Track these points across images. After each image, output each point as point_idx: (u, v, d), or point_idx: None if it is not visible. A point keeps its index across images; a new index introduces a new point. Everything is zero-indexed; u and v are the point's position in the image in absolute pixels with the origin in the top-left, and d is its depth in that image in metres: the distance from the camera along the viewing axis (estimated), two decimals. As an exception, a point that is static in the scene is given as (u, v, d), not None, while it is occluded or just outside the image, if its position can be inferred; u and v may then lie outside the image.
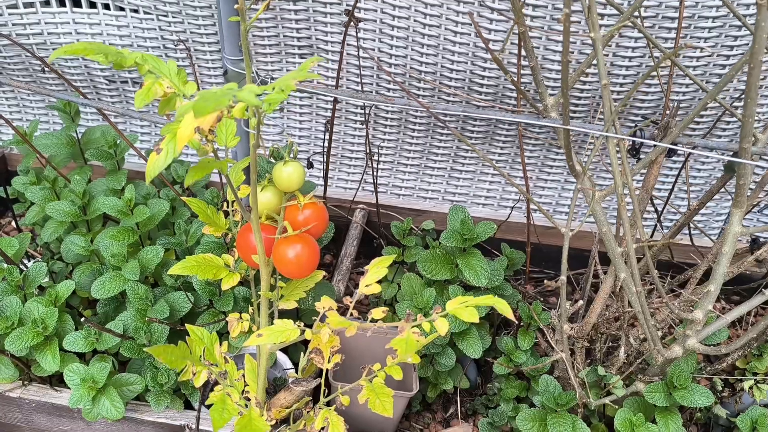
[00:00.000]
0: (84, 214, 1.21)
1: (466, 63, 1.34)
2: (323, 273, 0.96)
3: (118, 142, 1.29)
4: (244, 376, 0.93)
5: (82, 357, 1.07)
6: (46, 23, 1.45)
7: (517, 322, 1.22)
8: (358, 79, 1.40)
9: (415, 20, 1.29)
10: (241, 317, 0.93)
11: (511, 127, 1.50)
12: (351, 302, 0.85)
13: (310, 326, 0.86)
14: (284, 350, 1.15)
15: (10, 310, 1.00)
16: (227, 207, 0.95)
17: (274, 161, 0.88)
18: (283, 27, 1.35)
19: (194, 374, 0.76)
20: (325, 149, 1.25)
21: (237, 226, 0.97)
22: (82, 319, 0.92)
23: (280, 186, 0.88)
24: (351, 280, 1.48)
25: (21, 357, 1.01)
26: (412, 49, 1.34)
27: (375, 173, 1.37)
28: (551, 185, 1.60)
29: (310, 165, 0.95)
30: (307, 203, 0.89)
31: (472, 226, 1.06)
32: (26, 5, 1.43)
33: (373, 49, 1.33)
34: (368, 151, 1.24)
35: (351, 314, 0.85)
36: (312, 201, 0.90)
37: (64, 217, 1.18)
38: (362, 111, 1.50)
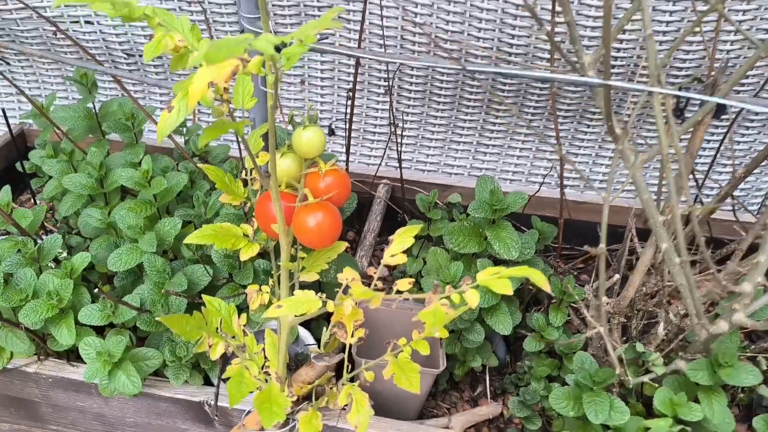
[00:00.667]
0: (101, 186, 1.18)
1: (495, 21, 1.28)
2: (345, 244, 0.92)
3: (135, 114, 1.25)
4: (264, 350, 0.89)
5: (100, 333, 1.04)
6: (62, -6, 1.41)
7: (548, 298, 1.17)
8: (381, 43, 1.35)
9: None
10: (260, 289, 0.90)
11: (541, 96, 1.44)
12: (375, 273, 0.81)
13: (333, 299, 0.82)
14: (306, 326, 1.12)
15: (24, 282, 0.98)
16: (246, 176, 0.91)
17: (292, 130, 0.84)
18: (303, -8, 1.30)
19: (210, 346, 0.73)
20: (348, 118, 1.20)
21: (256, 196, 0.92)
22: (96, 290, 0.89)
23: (299, 152, 0.84)
24: (374, 256, 1.44)
25: (36, 331, 0.99)
26: (438, 7, 1.28)
27: (399, 146, 1.32)
28: (583, 159, 1.54)
29: (331, 132, 0.90)
30: (329, 170, 0.85)
31: (501, 196, 1.01)
32: (42, -24, 1.40)
33: (397, 7, 1.27)
34: (392, 120, 1.18)
35: (375, 286, 0.81)
36: (333, 168, 0.86)
37: (81, 189, 1.15)
38: (385, 83, 1.44)
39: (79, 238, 1.22)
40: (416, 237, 1.20)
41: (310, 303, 0.78)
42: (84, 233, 1.22)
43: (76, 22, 1.45)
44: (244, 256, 0.85)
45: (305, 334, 1.10)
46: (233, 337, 0.80)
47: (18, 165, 1.34)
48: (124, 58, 1.53)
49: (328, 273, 1.00)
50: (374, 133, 1.57)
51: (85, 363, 0.94)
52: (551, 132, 1.52)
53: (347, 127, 1.09)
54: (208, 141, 0.66)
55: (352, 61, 1.42)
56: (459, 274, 1.01)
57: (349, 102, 1.27)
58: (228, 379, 0.80)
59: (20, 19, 1.45)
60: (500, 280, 0.67)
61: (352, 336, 0.89)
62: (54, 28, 1.21)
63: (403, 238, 0.80)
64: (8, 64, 1.58)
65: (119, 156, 1.24)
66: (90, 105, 1.30)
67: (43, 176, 1.37)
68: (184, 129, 1.34)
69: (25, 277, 0.98)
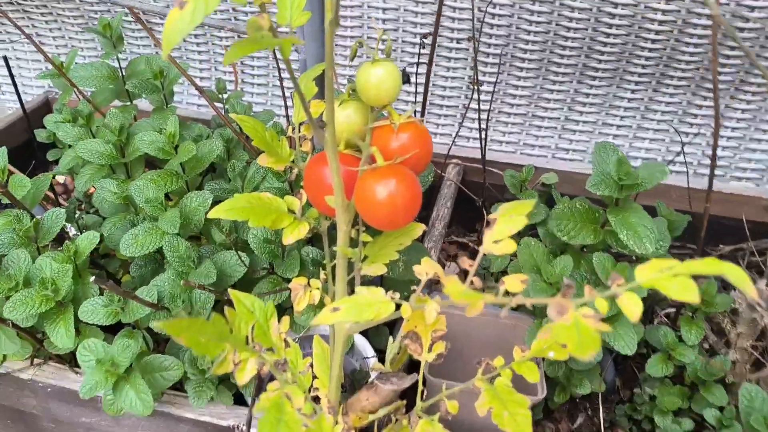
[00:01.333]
0: (122, 156, 0.98)
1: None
2: (422, 226, 0.68)
3: (166, 72, 1.05)
4: (311, 366, 0.67)
5: (113, 332, 0.84)
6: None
7: (678, 308, 0.92)
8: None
9: None
10: (309, 284, 0.67)
11: (649, 60, 1.18)
12: (471, 266, 0.58)
13: (407, 298, 0.60)
14: (364, 333, 0.90)
15: (15, 266, 0.78)
16: (293, 133, 0.69)
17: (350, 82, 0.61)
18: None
19: (236, 364, 0.51)
20: (428, 61, 0.97)
21: (305, 162, 0.70)
22: (92, 278, 0.69)
23: (366, 96, 0.61)
24: (443, 251, 1.21)
25: (31, 328, 0.79)
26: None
27: (480, 114, 1.08)
28: (697, 139, 1.27)
29: (406, 78, 0.67)
30: (405, 123, 0.62)
31: (631, 169, 0.76)
32: None
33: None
34: (475, 78, 0.95)
35: (471, 285, 0.57)
36: (411, 121, 0.63)
37: (97, 158, 0.95)
38: (457, 44, 1.21)
39: (96, 217, 1.03)
40: (501, 225, 0.96)
41: (378, 305, 0.55)
42: (101, 211, 1.02)
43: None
44: (288, 239, 0.63)
45: (362, 343, 0.88)
46: (270, 349, 0.58)
47: (37, 135, 1.15)
48: (160, 19, 1.34)
49: (396, 265, 0.77)
50: (442, 106, 1.34)
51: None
52: (656, 105, 1.26)
53: (425, 78, 0.83)
54: (237, 58, 0.44)
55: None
56: (566, 273, 0.77)
57: (428, 51, 1.03)
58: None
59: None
60: (678, 280, 0.43)
61: (429, 351, 0.66)
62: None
63: (512, 217, 0.57)
64: (30, 19, 1.41)
65: (145, 122, 1.04)
66: (115, 63, 1.11)
67: (63, 147, 1.18)
68: (225, 96, 1.13)
69: (17, 261, 0.79)
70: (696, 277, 0.51)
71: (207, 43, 1.37)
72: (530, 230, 0.96)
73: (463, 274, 0.92)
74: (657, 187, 1.18)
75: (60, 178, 1.36)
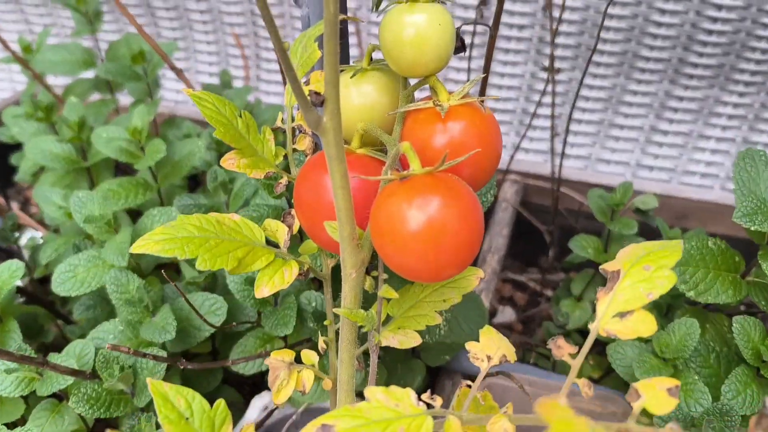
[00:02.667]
0: (84, 159, 0.76)
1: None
2: (480, 273, 0.43)
3: (148, 56, 0.83)
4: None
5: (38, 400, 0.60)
6: None
7: None
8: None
9: None
10: (298, 358, 0.43)
11: (764, 58, 0.91)
12: (574, 354, 0.33)
13: (439, 370, 0.35)
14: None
15: None
16: (283, 123, 0.46)
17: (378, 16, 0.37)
18: None
19: None
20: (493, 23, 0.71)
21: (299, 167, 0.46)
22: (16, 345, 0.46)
23: (397, 61, 0.37)
24: (496, 291, 0.95)
25: None
26: None
27: (553, 119, 0.83)
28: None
29: (461, 45, 0.43)
30: (458, 106, 0.38)
31: (803, 190, 0.50)
32: None
33: None
34: (551, 65, 0.70)
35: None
36: (467, 102, 0.38)
37: (51, 161, 0.74)
38: (519, 33, 0.96)
39: (55, 236, 0.81)
40: (580, 264, 0.71)
41: (402, 423, 0.31)
42: (63, 231, 0.81)
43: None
44: (262, 289, 0.39)
45: None
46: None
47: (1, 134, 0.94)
48: (165, 11, 1.13)
49: (435, 327, 0.52)
50: (494, 108, 1.09)
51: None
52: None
53: (488, 44, 0.58)
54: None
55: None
56: (690, 345, 0.51)
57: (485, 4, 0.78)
58: None
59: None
60: None
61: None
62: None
63: (648, 269, 0.32)
64: None
65: (121, 119, 0.82)
66: (90, 44, 0.90)
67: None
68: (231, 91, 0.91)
69: None
70: None
71: (217, 31, 1.15)
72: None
73: (521, 321, 0.65)
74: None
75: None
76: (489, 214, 0.95)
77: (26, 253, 0.80)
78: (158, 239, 0.36)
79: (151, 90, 0.85)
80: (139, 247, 0.36)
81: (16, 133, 0.82)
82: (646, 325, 0.31)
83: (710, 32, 0.91)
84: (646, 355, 0.54)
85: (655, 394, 0.29)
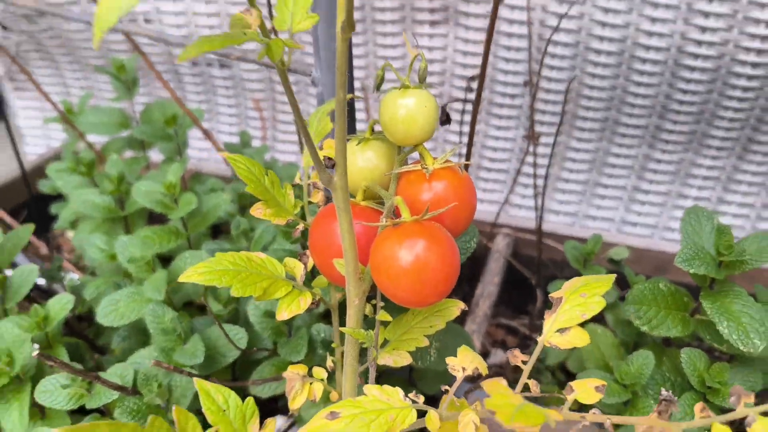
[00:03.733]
0: (122, 209, 0.86)
1: (672, 37, 0.89)
2: (460, 303, 0.53)
3: (180, 119, 0.95)
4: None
5: (83, 415, 0.69)
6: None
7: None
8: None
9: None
10: (310, 374, 0.52)
11: (734, 123, 1.02)
12: (525, 362, 0.41)
13: (435, 399, 0.44)
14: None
15: (-32, 332, 0.65)
16: (301, 180, 0.56)
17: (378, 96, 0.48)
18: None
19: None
20: (474, 103, 0.82)
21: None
22: (35, 353, 0.55)
23: (392, 133, 0.47)
24: (488, 335, 1.03)
25: (-19, 408, 0.65)
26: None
27: (536, 179, 0.93)
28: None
29: (446, 118, 0.54)
30: (440, 169, 0.48)
31: (733, 241, 0.59)
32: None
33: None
34: (532, 132, 0.80)
35: (524, 389, 0.41)
36: (448, 165, 0.48)
37: (93, 210, 0.84)
38: (512, 95, 1.07)
39: (92, 278, 0.90)
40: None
41: (392, 413, 0.39)
42: (99, 272, 0.90)
43: (134, 20, 1.20)
44: (282, 313, 0.48)
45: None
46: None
47: (43, 187, 1.05)
48: (188, 68, 1.26)
49: (426, 353, 0.61)
50: (490, 169, 1.20)
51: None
52: (741, 175, 1.09)
53: (471, 119, 0.69)
54: (199, 53, 0.31)
55: (475, 40, 1.07)
56: (646, 373, 0.60)
57: (474, 95, 0.89)
58: None
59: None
60: None
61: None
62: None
63: (583, 297, 0.41)
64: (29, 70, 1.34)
65: (154, 174, 0.92)
66: (126, 108, 1.01)
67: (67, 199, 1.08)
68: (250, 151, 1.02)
69: (-27, 325, 0.66)
70: None
71: (238, 96, 1.27)
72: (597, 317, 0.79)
73: (513, 368, 0.73)
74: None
75: (71, 235, 1.26)
76: (481, 263, 1.04)
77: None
78: (201, 271, 0.46)
79: (180, 149, 0.96)
80: (187, 276, 0.45)
81: (60, 185, 0.92)
82: (580, 339, 0.39)
83: (682, 102, 1.01)
84: (609, 381, 0.62)
85: (586, 389, 0.38)
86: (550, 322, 0.40)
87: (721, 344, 0.60)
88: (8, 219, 0.93)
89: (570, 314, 0.40)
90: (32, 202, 1.04)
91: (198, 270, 0.46)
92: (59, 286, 0.86)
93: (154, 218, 0.93)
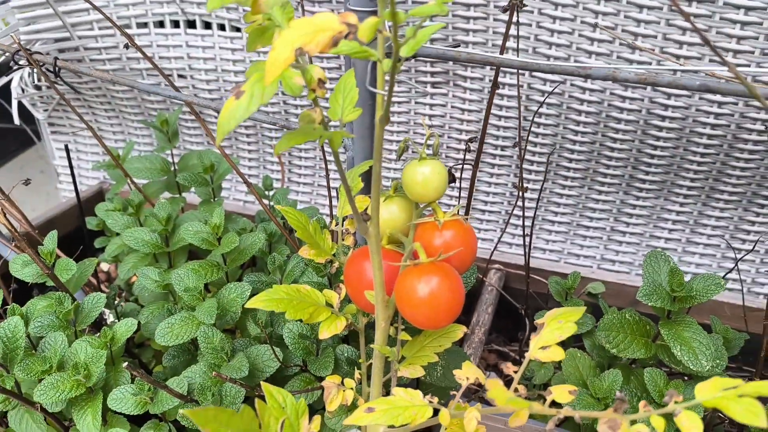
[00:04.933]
0: (166, 245, 1.00)
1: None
2: (463, 328, 0.66)
3: (216, 166, 1.08)
4: (340, 472, 0.63)
5: (139, 425, 0.81)
6: (158, 46, 1.31)
7: (737, 433, 0.85)
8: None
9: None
10: (342, 383, 0.65)
11: (700, 170, 1.16)
12: (515, 371, 0.55)
13: (445, 404, 0.56)
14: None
15: (51, 349, 0.78)
16: (335, 226, 0.69)
17: (402, 164, 0.62)
18: None
19: (264, 463, 0.48)
20: (474, 162, 0.97)
21: (347, 256, 0.70)
22: (125, 365, 0.67)
23: (412, 193, 0.61)
24: (483, 359, 1.16)
25: (58, 414, 0.77)
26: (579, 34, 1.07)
27: (524, 221, 1.07)
28: (750, 255, 1.23)
29: (452, 178, 0.68)
30: (449, 221, 0.62)
31: (683, 280, 0.73)
32: (139, 26, 1.31)
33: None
34: (521, 185, 0.95)
35: (516, 392, 0.54)
36: (455, 218, 0.62)
37: (142, 246, 0.97)
38: (504, 147, 1.22)
39: (135, 305, 1.03)
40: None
41: (415, 409, 0.52)
42: (141, 299, 1.03)
43: (169, 75, 1.34)
44: (324, 333, 0.61)
45: (395, 452, 0.83)
46: (299, 450, 0.55)
47: (88, 223, 1.18)
48: (215, 117, 1.40)
49: (434, 369, 0.74)
50: (484, 211, 1.34)
51: (110, 464, 0.71)
52: (706, 219, 1.23)
53: (471, 177, 0.84)
54: (288, 147, 0.45)
55: (471, 99, 1.22)
56: (616, 388, 0.73)
57: (469, 151, 1.04)
58: None
59: (109, 60, 1.36)
60: (743, 402, 0.40)
61: (467, 464, 0.62)
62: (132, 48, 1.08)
63: (560, 324, 0.54)
64: (92, 109, 1.48)
65: (192, 214, 1.06)
66: (169, 157, 1.15)
67: (111, 235, 1.21)
68: (271, 192, 1.15)
69: (53, 343, 0.78)
70: (762, 400, 0.48)
71: (258, 142, 1.42)
72: (575, 342, 0.92)
73: (506, 384, 0.87)
74: (709, 303, 1.14)
75: (104, 267, 1.39)
76: (477, 295, 1.17)
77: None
78: (263, 299, 0.59)
79: (214, 192, 1.09)
80: (253, 303, 0.58)
81: (110, 223, 1.05)
82: (557, 354, 0.53)
83: (652, 156, 1.16)
84: (585, 396, 0.75)
85: (561, 392, 0.51)
86: (535, 342, 0.54)
87: (677, 365, 0.74)
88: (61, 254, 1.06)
89: (550, 336, 0.53)
90: (86, 238, 1.17)
91: (261, 297, 0.59)
92: (110, 312, 0.99)
93: (192, 253, 1.06)
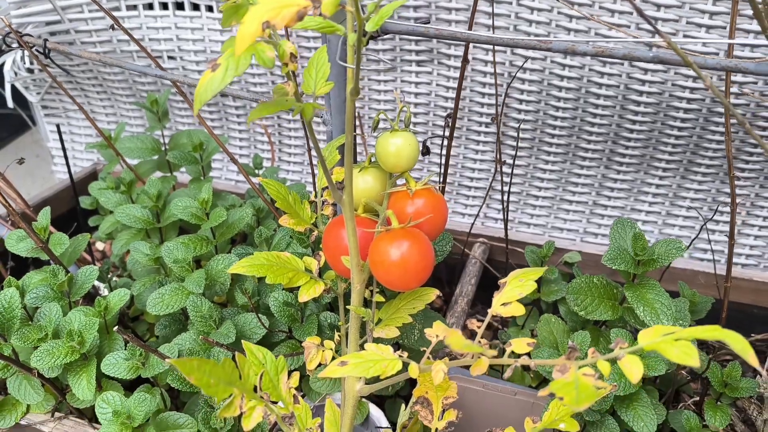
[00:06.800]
0: (158, 221, 1.03)
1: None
2: (435, 291, 0.70)
3: (205, 145, 1.11)
4: (321, 428, 0.67)
5: (132, 390, 0.85)
6: (147, 28, 1.34)
7: (702, 392, 0.89)
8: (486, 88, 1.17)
9: None
10: (322, 344, 0.69)
11: (677, 147, 1.19)
12: (479, 326, 0.58)
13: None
14: (380, 405, 0.89)
15: (46, 318, 0.81)
16: (315, 198, 0.73)
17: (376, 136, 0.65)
18: None
19: (243, 412, 0.52)
20: (448, 138, 1.00)
21: (326, 225, 0.73)
22: (116, 328, 0.71)
23: (385, 163, 0.64)
24: (465, 328, 1.20)
25: (55, 380, 0.81)
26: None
27: (504, 195, 1.10)
28: (725, 227, 1.27)
29: (426, 150, 0.71)
30: (420, 189, 0.65)
31: (647, 244, 0.76)
32: (129, 8, 1.33)
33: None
34: (498, 158, 0.98)
35: (479, 344, 0.58)
36: (426, 187, 0.65)
37: (134, 223, 1.00)
38: (486, 129, 1.25)
39: (128, 279, 1.06)
40: (522, 302, 0.96)
41: (386, 362, 0.56)
42: (133, 274, 1.06)
43: (159, 56, 1.37)
44: (303, 297, 0.65)
45: (377, 414, 0.87)
46: (278, 404, 0.59)
47: (81, 202, 1.22)
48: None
49: (411, 332, 0.78)
50: (470, 187, 1.37)
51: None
52: (685, 192, 1.27)
53: (446, 151, 0.88)
54: (260, 116, 0.48)
55: (454, 77, 1.25)
56: (585, 349, 0.77)
57: (449, 126, 1.07)
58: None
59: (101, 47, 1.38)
60: (678, 344, 0.44)
61: (440, 418, 0.66)
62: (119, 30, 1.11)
63: (521, 281, 0.58)
64: (85, 93, 1.51)
65: (182, 192, 1.09)
66: (160, 137, 1.18)
67: (104, 213, 1.25)
68: (261, 171, 1.19)
69: (48, 313, 0.82)
70: (721, 362, 0.51)
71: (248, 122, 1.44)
72: (554, 311, 0.96)
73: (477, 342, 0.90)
74: (685, 271, 1.18)
75: (99, 246, 1.42)
76: (460, 267, 1.21)
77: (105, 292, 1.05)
78: (244, 265, 0.63)
79: (204, 171, 1.12)
80: (234, 269, 0.62)
81: (103, 201, 1.09)
82: (517, 310, 0.56)
83: (631, 131, 1.19)
84: (556, 356, 0.79)
85: (520, 344, 0.55)
86: (497, 298, 0.57)
87: (641, 325, 0.77)
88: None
89: (511, 293, 0.57)
90: (79, 216, 1.20)
91: (242, 264, 0.62)
92: (104, 286, 1.02)
93: (182, 230, 1.09)
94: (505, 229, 1.07)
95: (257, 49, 0.49)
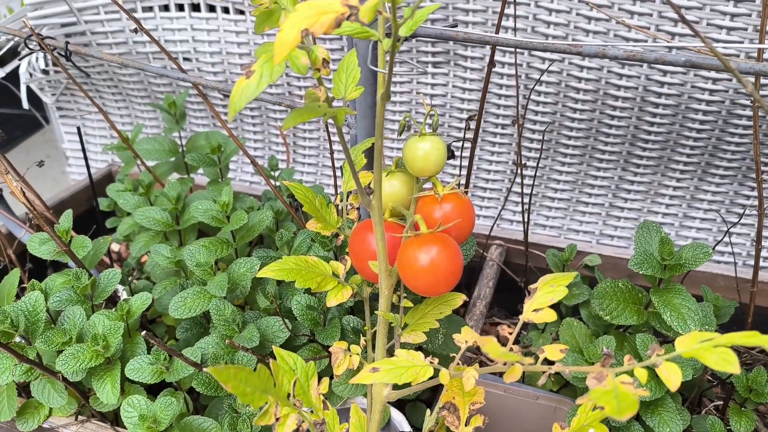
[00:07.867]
0: (177, 224, 1.03)
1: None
2: (462, 296, 0.70)
3: (223, 147, 1.11)
4: (347, 432, 0.67)
5: (155, 395, 0.85)
6: (163, 29, 1.34)
7: (726, 397, 0.88)
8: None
9: None
10: (349, 349, 0.68)
11: (695, 148, 1.19)
12: (510, 333, 0.58)
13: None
14: (400, 408, 0.89)
15: (70, 322, 0.81)
16: (340, 201, 0.73)
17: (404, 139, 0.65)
18: None
19: (278, 419, 0.52)
20: (472, 139, 1.00)
21: (351, 229, 0.73)
22: (143, 333, 0.71)
23: (412, 168, 0.64)
24: (484, 332, 1.20)
25: (78, 384, 0.81)
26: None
27: (523, 198, 1.10)
28: (745, 229, 1.26)
29: (451, 154, 0.71)
30: (448, 194, 0.65)
31: (674, 249, 0.76)
32: (144, 9, 1.33)
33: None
34: (519, 161, 0.97)
35: (512, 351, 0.57)
36: (454, 192, 0.65)
37: (153, 225, 1.00)
38: (504, 125, 1.25)
39: (147, 282, 1.06)
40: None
41: (417, 369, 0.56)
42: (153, 276, 1.07)
43: (175, 58, 1.37)
44: (331, 302, 0.65)
45: (399, 418, 0.87)
46: (309, 410, 0.59)
47: (100, 204, 1.22)
48: (220, 99, 1.43)
49: (436, 337, 0.78)
50: (485, 189, 1.37)
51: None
52: (702, 194, 1.26)
53: (470, 154, 0.88)
54: (295, 124, 0.48)
55: (471, 79, 1.24)
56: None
57: (469, 129, 1.07)
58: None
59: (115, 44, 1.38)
60: (717, 351, 0.43)
61: (466, 424, 0.66)
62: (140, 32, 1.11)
63: (552, 287, 0.57)
64: (99, 93, 1.51)
65: (201, 194, 1.09)
66: (177, 138, 1.18)
67: (122, 215, 1.25)
68: (277, 172, 1.19)
69: (72, 316, 0.82)
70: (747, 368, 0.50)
71: (263, 123, 1.44)
72: (573, 314, 0.95)
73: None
74: (704, 274, 1.17)
75: (115, 247, 1.42)
76: (479, 269, 1.21)
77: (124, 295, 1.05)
78: (273, 269, 0.62)
79: (222, 173, 1.13)
80: (264, 272, 0.62)
81: (121, 203, 1.09)
82: (549, 316, 0.56)
83: (649, 132, 1.19)
84: (580, 361, 0.78)
85: (553, 350, 0.54)
86: (529, 304, 0.57)
87: (668, 330, 0.77)
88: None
89: (542, 299, 0.57)
90: (98, 217, 1.20)
91: (273, 267, 0.62)
92: (123, 289, 1.02)
93: (200, 232, 1.09)
94: (525, 231, 1.07)
95: (291, 56, 0.49)
